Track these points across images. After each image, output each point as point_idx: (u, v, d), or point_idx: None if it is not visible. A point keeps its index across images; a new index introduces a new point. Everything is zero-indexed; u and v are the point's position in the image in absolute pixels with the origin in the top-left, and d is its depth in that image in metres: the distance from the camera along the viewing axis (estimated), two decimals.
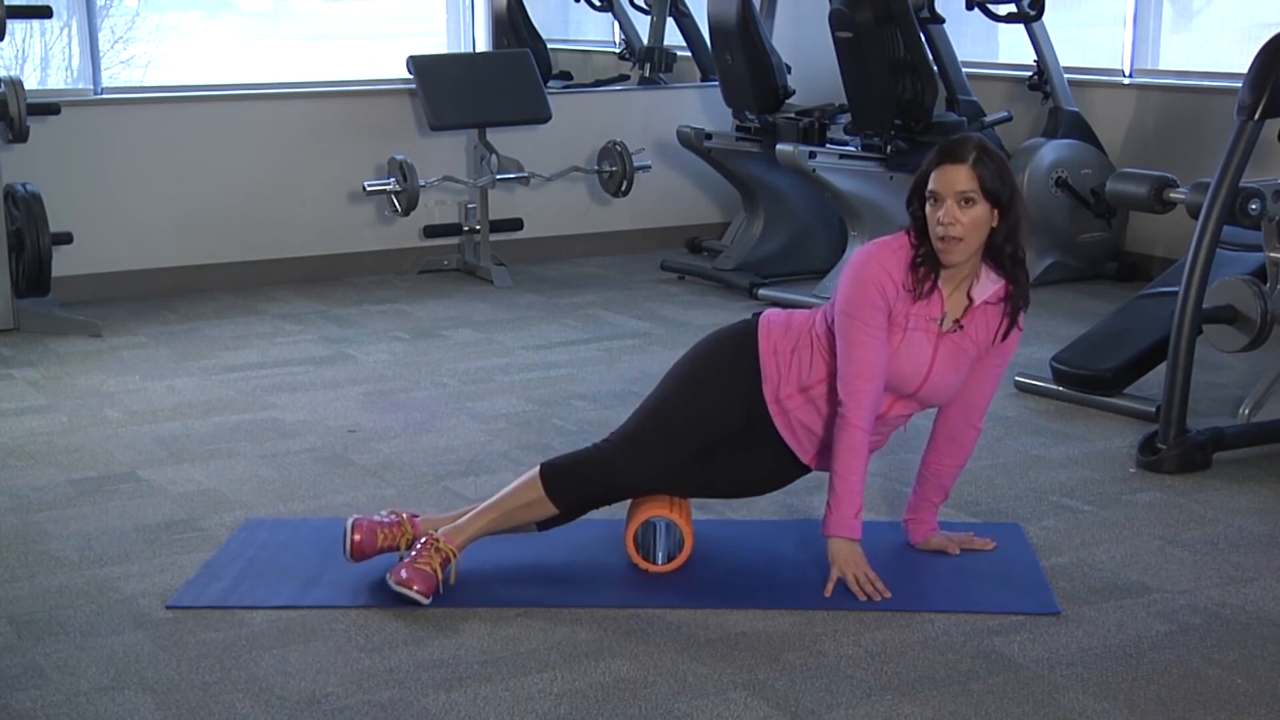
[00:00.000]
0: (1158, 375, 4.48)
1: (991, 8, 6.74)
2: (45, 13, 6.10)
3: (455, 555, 3.34)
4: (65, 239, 6.11)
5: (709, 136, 6.91)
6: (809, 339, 3.36)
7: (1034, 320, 5.74)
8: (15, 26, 6.36)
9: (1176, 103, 6.71)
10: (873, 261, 3.28)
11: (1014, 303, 3.32)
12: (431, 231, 7.07)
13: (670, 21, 8.07)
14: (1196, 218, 4.30)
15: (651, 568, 3.45)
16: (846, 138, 6.55)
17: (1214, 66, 6.63)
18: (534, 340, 5.82)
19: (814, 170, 6.25)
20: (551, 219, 7.43)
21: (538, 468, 3.39)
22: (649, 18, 8.17)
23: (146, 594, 3.37)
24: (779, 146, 6.39)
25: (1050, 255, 6.60)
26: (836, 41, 6.33)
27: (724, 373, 3.40)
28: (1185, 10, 7.16)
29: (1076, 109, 6.76)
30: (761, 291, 6.43)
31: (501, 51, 7.35)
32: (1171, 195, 4.60)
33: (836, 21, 6.27)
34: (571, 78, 8.26)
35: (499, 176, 6.86)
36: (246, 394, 5.07)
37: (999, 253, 3.26)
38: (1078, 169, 6.57)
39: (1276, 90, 4.25)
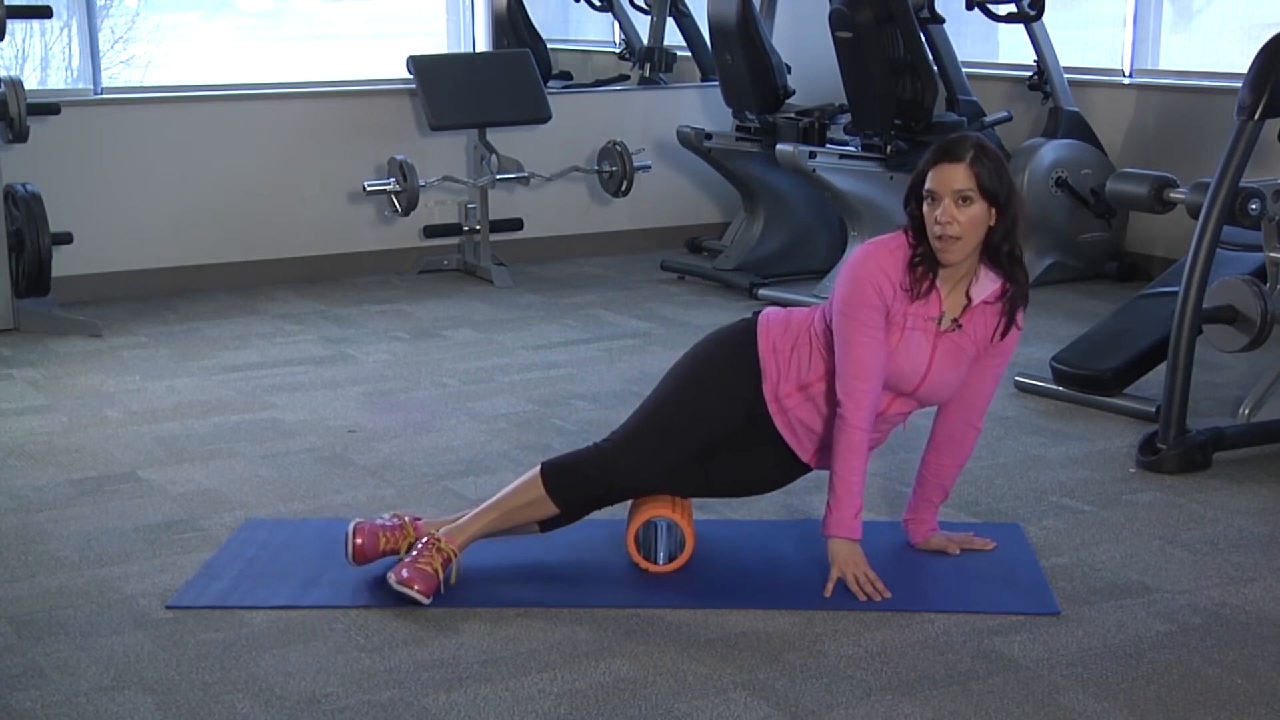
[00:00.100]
0: (1158, 375, 4.48)
1: (991, 8, 6.74)
2: (45, 13, 6.10)
3: (456, 555, 3.34)
4: (65, 239, 6.11)
5: (709, 136, 6.91)
6: (807, 337, 3.36)
7: (1034, 320, 5.75)
8: (15, 26, 6.36)
9: (1176, 103, 6.72)
10: (870, 261, 3.28)
11: (1012, 302, 3.31)
12: (431, 231, 7.07)
13: (670, 21, 8.07)
14: (1196, 218, 4.30)
15: (652, 568, 3.45)
16: (846, 138, 6.55)
17: (1214, 66, 6.63)
18: (534, 340, 5.82)
19: (814, 170, 6.25)
20: (551, 219, 7.43)
21: (538, 467, 3.39)
22: (649, 18, 8.17)
23: (146, 594, 3.37)
24: (779, 146, 6.39)
25: (1050, 255, 6.60)
26: (836, 41, 6.33)
27: (724, 372, 3.40)
28: (1185, 10, 7.17)
29: (1076, 109, 6.76)
30: (761, 291, 6.43)
31: (501, 51, 7.35)
32: (1171, 195, 4.60)
33: (836, 21, 6.27)
34: (571, 78, 8.26)
35: (499, 176, 6.86)
36: (246, 394, 5.07)
37: (996, 252, 3.25)
38: (1078, 169, 6.57)
39: (1276, 90, 4.25)
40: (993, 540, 3.59)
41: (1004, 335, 3.34)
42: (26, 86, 5.99)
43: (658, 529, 3.45)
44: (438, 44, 7.52)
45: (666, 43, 8.10)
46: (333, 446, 4.47)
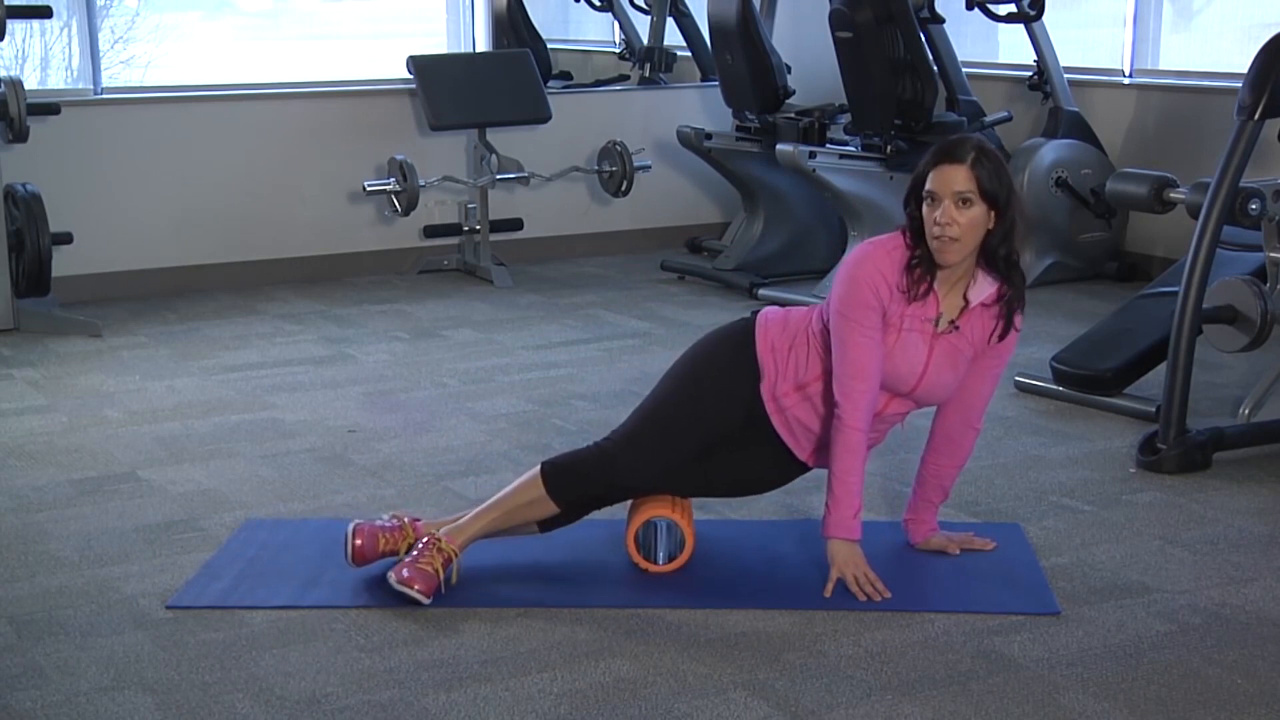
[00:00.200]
0: (1158, 375, 4.48)
1: (991, 8, 6.74)
2: (45, 13, 6.10)
3: (456, 555, 3.34)
4: (65, 239, 6.12)
5: (709, 136, 6.91)
6: (805, 337, 3.36)
7: (1034, 320, 5.76)
8: (15, 26, 6.36)
9: (1176, 103, 6.72)
10: (866, 262, 3.28)
11: (1009, 304, 3.31)
12: (431, 231, 7.08)
13: (670, 21, 8.07)
14: (1196, 218, 4.30)
15: (652, 568, 3.45)
16: (846, 138, 6.56)
17: (1214, 66, 6.63)
18: (534, 340, 5.82)
19: (814, 170, 6.25)
20: (551, 219, 7.43)
21: (538, 467, 3.39)
22: (649, 18, 8.17)
23: (146, 594, 3.37)
24: (779, 146, 6.39)
25: (1050, 255, 6.61)
26: (836, 41, 6.33)
27: (723, 371, 3.40)
28: (1185, 10, 7.17)
29: (1076, 109, 6.76)
30: (761, 291, 6.43)
31: (501, 51, 7.35)
32: (1171, 195, 4.60)
33: (836, 21, 6.28)
34: (571, 78, 8.26)
35: (499, 176, 6.86)
36: (246, 394, 5.07)
37: (994, 256, 3.25)
38: (1078, 169, 6.57)
39: (1276, 90, 4.25)
40: (993, 540, 3.59)
41: (1001, 338, 3.34)
42: (26, 86, 5.99)
43: (657, 529, 3.45)
44: (438, 44, 7.52)
45: (666, 43, 8.10)
46: (333, 446, 4.47)
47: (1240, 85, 4.33)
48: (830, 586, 3.30)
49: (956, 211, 3.18)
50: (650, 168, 7.21)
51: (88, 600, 3.34)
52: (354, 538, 3.40)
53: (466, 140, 7.12)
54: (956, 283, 3.29)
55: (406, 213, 6.70)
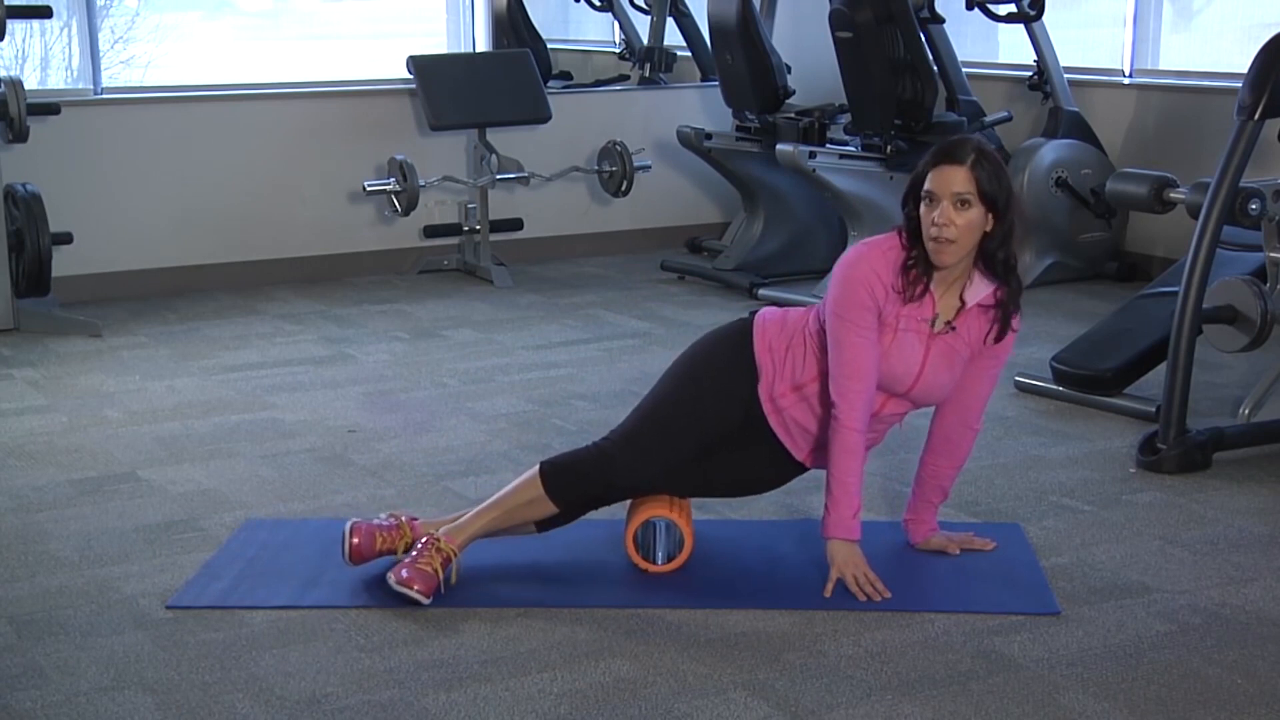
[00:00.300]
0: (1158, 375, 4.48)
1: (991, 8, 6.74)
2: (45, 13, 6.10)
3: (456, 555, 3.34)
4: (65, 239, 6.12)
5: (709, 136, 6.91)
6: (802, 338, 3.36)
7: (1034, 320, 5.77)
8: (15, 26, 6.36)
9: (1176, 103, 6.72)
10: (862, 262, 3.28)
11: (1006, 306, 3.31)
12: (431, 231, 7.08)
13: (670, 21, 8.07)
14: (1196, 218, 4.30)
15: (651, 568, 3.45)
16: (846, 138, 6.55)
17: (1214, 66, 6.63)
18: (534, 340, 5.82)
19: (814, 170, 6.25)
20: (551, 219, 7.43)
21: (537, 466, 3.39)
22: (649, 18, 8.17)
23: (146, 594, 3.37)
24: (779, 146, 6.39)
25: (1050, 255, 6.61)
26: (836, 41, 6.33)
27: (722, 371, 3.40)
28: (1185, 10, 7.17)
29: (1076, 109, 6.76)
30: (761, 291, 6.43)
31: (501, 51, 7.35)
32: (1171, 195, 4.60)
33: (836, 21, 6.27)
34: (571, 78, 8.26)
35: (499, 176, 6.86)
36: (246, 394, 5.07)
37: (992, 259, 3.25)
38: (1078, 169, 6.57)
39: (1276, 90, 4.25)
40: (993, 540, 3.59)
41: (998, 339, 3.34)
42: (26, 86, 5.99)
43: (656, 529, 3.45)
44: (438, 44, 7.52)
45: (666, 43, 8.10)
46: (333, 446, 4.47)
47: (1240, 85, 4.33)
48: (830, 586, 3.30)
49: (955, 213, 3.17)
50: (650, 168, 7.21)
51: (88, 600, 3.34)
52: (351, 536, 3.40)
53: (466, 140, 7.12)
54: (953, 284, 3.28)
55: (406, 213, 6.70)
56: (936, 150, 3.25)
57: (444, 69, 6.93)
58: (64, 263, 6.23)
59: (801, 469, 3.47)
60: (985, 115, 6.74)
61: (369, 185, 6.70)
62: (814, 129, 6.63)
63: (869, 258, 3.28)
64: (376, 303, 6.50)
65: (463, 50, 7.42)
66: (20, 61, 7.02)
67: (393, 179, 6.65)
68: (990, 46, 7.50)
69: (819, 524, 3.35)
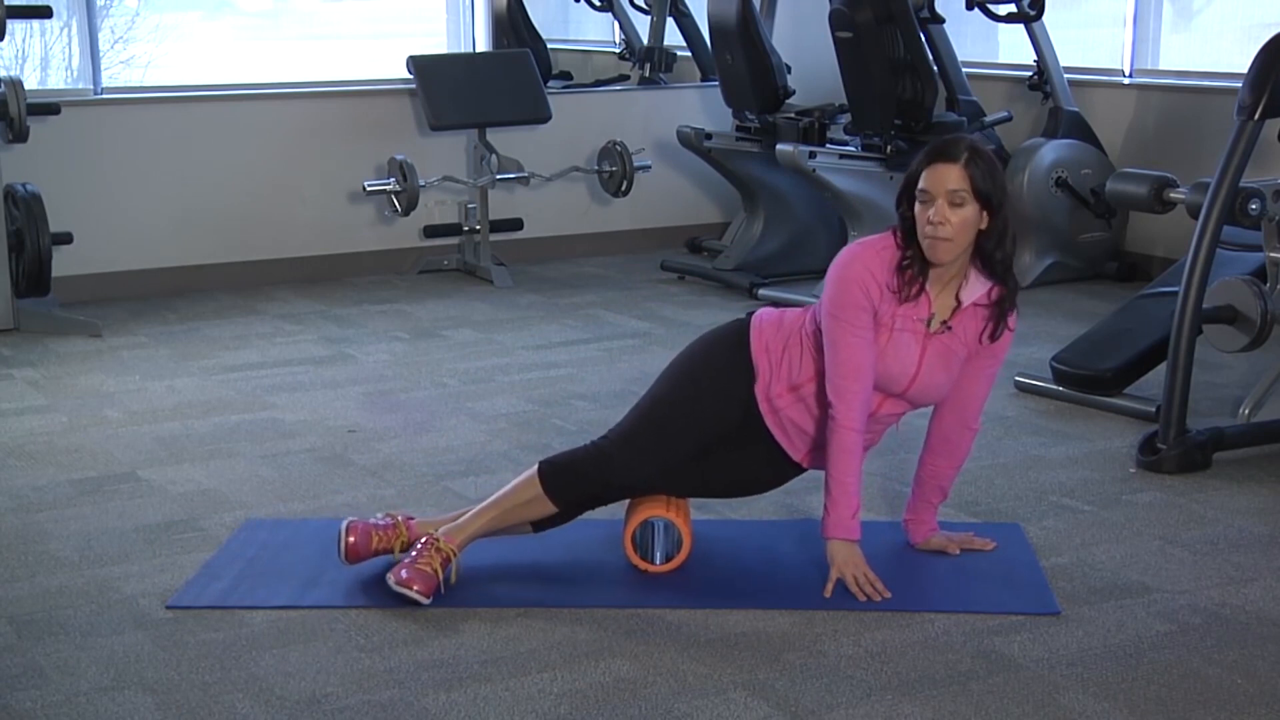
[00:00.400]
0: (1158, 375, 4.48)
1: (991, 8, 6.74)
2: (45, 13, 6.10)
3: (455, 555, 3.34)
4: (65, 239, 6.11)
5: (709, 136, 6.91)
6: (799, 338, 3.36)
7: (1034, 320, 5.78)
8: (15, 26, 6.36)
9: (1176, 103, 6.72)
10: (856, 262, 3.28)
11: (1002, 305, 3.31)
12: (431, 231, 7.08)
13: (670, 21, 8.07)
14: (1196, 218, 4.30)
15: (650, 568, 3.45)
16: (846, 138, 6.56)
17: (1214, 66, 6.63)
18: (534, 340, 5.82)
19: (814, 170, 6.26)
20: (551, 219, 7.43)
21: (536, 466, 3.39)
22: (649, 18, 8.17)
23: (146, 594, 3.37)
24: (779, 146, 6.39)
25: (1050, 255, 6.61)
26: (836, 41, 6.33)
27: (721, 371, 3.40)
28: (1185, 10, 7.17)
29: (1076, 109, 6.76)
30: (761, 291, 6.43)
31: (501, 51, 7.35)
32: (1171, 195, 4.60)
33: (836, 21, 6.28)
34: (571, 78, 8.26)
35: (499, 176, 6.86)
36: (246, 394, 5.07)
37: (988, 257, 3.25)
38: (1078, 169, 6.57)
39: (1276, 90, 4.25)
40: (993, 540, 3.59)
41: (994, 337, 3.34)
42: (26, 86, 5.99)
43: (654, 529, 3.45)
44: (438, 44, 7.52)
45: (666, 43, 8.10)
46: (333, 446, 4.47)
47: (1240, 85, 4.33)
48: (830, 586, 3.30)
49: (949, 211, 3.17)
50: (650, 168, 7.21)
51: (88, 600, 3.34)
52: (347, 535, 3.40)
53: (466, 140, 7.12)
54: (949, 283, 3.28)
55: (406, 213, 6.70)
56: (930, 149, 3.25)
57: (444, 69, 6.93)
58: (64, 263, 6.23)
59: (799, 469, 3.47)
60: (985, 115, 6.74)
61: (369, 185, 6.70)
62: (814, 129, 6.63)
63: (863, 257, 3.28)
64: (376, 303, 6.50)
65: (463, 50, 7.42)
66: (20, 61, 7.02)
67: (393, 179, 6.65)
68: (990, 46, 7.50)
69: (819, 524, 3.35)
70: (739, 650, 3.07)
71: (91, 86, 6.62)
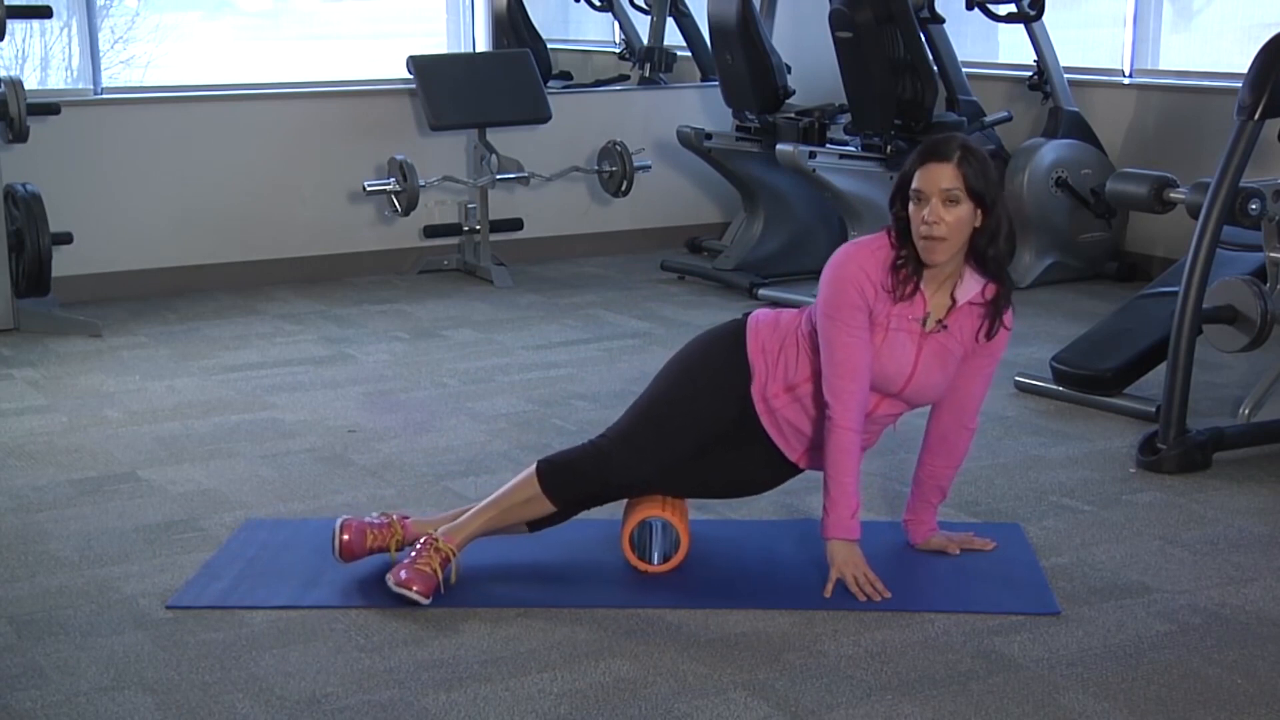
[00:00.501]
0: (1158, 375, 4.48)
1: (991, 8, 6.74)
2: (45, 13, 6.10)
3: (455, 554, 3.34)
4: (65, 239, 6.12)
5: (709, 136, 6.91)
6: (795, 339, 3.36)
7: (1034, 320, 5.78)
8: (15, 26, 6.36)
9: (1176, 103, 6.72)
10: (850, 262, 3.28)
11: (997, 303, 3.31)
12: (431, 231, 7.08)
13: (670, 21, 8.07)
14: (1196, 218, 4.30)
15: (647, 568, 3.45)
16: (846, 138, 6.56)
17: (1214, 66, 6.63)
18: (534, 340, 5.82)
19: (814, 170, 6.25)
20: (551, 219, 7.43)
21: (534, 465, 3.39)
22: (649, 18, 8.17)
23: (146, 594, 3.37)
24: (779, 146, 6.39)
25: (1050, 255, 6.61)
26: (836, 41, 6.33)
27: (718, 371, 3.40)
28: (1185, 10, 7.17)
29: (1076, 109, 6.76)
30: (761, 291, 6.43)
31: (501, 51, 7.35)
32: (1171, 195, 4.60)
33: (836, 21, 6.27)
34: (571, 78, 8.26)
35: (499, 176, 6.87)
36: (246, 394, 5.07)
37: (982, 255, 3.25)
38: (1078, 169, 6.57)
39: (1276, 90, 4.25)
40: (993, 540, 3.59)
41: (990, 336, 3.34)
42: (26, 86, 5.99)
43: (652, 529, 3.45)
44: (438, 44, 7.52)
45: (666, 43, 8.10)
46: (333, 446, 4.47)
47: (1240, 85, 4.33)
48: (830, 586, 3.30)
49: (943, 210, 3.18)
50: (650, 168, 7.21)
51: (88, 600, 3.34)
52: (342, 533, 3.40)
53: (466, 140, 7.12)
54: (944, 282, 3.28)
55: (406, 213, 6.70)
56: (922, 149, 3.25)
57: (444, 69, 6.93)
58: (64, 263, 6.23)
59: (797, 470, 3.47)
60: (985, 115, 6.74)
61: (369, 185, 6.70)
62: (814, 129, 6.63)
63: (857, 257, 3.28)
64: (376, 303, 6.50)
65: (463, 50, 7.42)
66: (20, 61, 7.02)
67: (393, 179, 6.65)
68: (990, 46, 7.50)
69: (818, 524, 3.35)
70: (739, 650, 3.07)
71: (91, 86, 6.62)
